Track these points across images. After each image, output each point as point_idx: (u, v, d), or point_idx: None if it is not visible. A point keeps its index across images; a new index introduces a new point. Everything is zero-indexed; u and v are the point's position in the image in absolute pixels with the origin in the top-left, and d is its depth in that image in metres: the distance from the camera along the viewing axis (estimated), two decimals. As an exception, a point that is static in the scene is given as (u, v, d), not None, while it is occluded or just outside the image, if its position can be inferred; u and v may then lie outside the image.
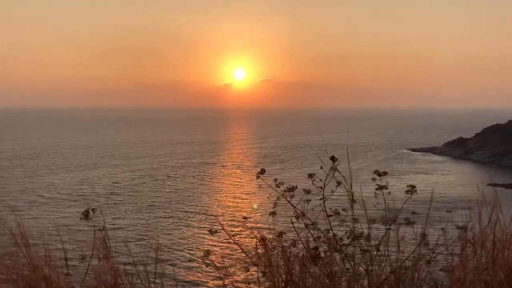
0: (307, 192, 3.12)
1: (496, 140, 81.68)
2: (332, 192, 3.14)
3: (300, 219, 3.16)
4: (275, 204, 3.17)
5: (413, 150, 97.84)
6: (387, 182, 3.09)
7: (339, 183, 3.12)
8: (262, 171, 3.23)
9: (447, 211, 36.86)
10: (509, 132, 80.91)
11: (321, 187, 3.13)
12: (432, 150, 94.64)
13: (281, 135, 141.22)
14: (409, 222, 3.02)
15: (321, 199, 3.14)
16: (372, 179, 3.10)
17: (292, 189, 3.18)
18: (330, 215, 3.15)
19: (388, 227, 3.04)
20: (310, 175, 3.16)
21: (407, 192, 3.05)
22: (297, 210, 3.16)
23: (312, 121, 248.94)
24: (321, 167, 3.17)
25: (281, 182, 3.20)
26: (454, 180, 60.57)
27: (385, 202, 3.06)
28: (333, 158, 3.16)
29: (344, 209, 3.13)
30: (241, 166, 74.33)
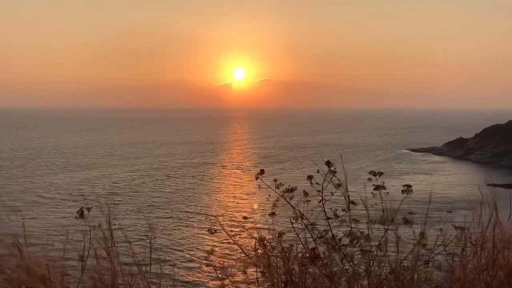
0: (306, 194, 3.12)
1: (496, 140, 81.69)
2: (332, 194, 3.15)
3: (299, 220, 3.16)
4: (274, 205, 3.16)
5: (413, 150, 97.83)
6: (383, 182, 3.11)
7: (338, 185, 3.12)
8: (262, 172, 3.23)
9: (447, 212, 36.81)
10: (509, 133, 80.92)
11: (319, 190, 3.14)
12: (432, 151, 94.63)
13: (281, 135, 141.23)
14: (407, 222, 3.03)
15: (319, 202, 3.15)
16: (368, 179, 3.12)
17: (291, 190, 3.17)
18: (330, 218, 3.15)
19: (386, 227, 3.04)
20: (310, 177, 3.16)
21: (403, 191, 3.08)
22: (296, 211, 3.16)
23: (312, 121, 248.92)
24: (318, 171, 3.16)
25: (281, 184, 3.19)
26: (454, 180, 60.55)
27: (382, 202, 3.08)
28: (328, 163, 3.17)
29: (343, 210, 3.13)
30: (241, 166, 74.31)
